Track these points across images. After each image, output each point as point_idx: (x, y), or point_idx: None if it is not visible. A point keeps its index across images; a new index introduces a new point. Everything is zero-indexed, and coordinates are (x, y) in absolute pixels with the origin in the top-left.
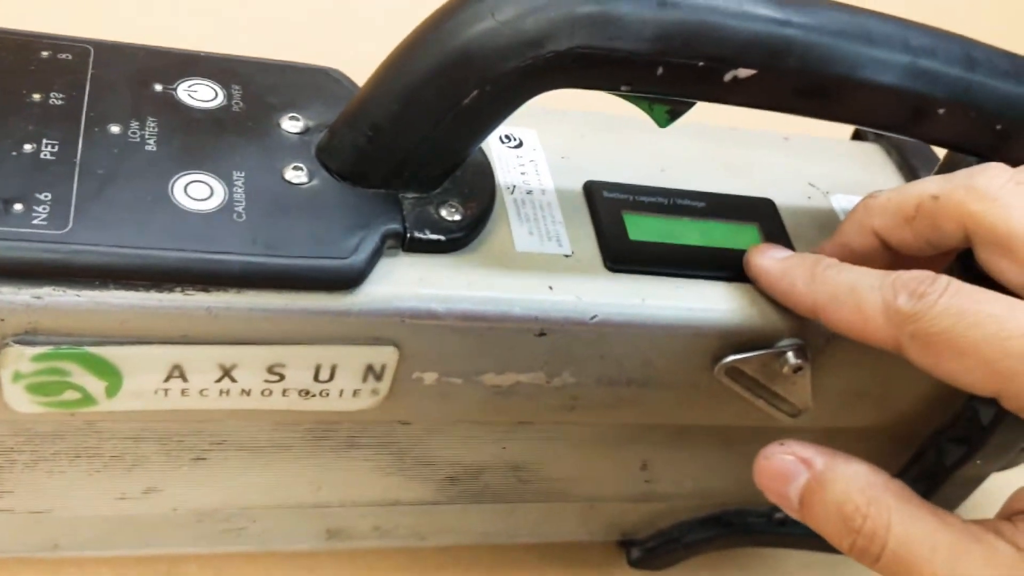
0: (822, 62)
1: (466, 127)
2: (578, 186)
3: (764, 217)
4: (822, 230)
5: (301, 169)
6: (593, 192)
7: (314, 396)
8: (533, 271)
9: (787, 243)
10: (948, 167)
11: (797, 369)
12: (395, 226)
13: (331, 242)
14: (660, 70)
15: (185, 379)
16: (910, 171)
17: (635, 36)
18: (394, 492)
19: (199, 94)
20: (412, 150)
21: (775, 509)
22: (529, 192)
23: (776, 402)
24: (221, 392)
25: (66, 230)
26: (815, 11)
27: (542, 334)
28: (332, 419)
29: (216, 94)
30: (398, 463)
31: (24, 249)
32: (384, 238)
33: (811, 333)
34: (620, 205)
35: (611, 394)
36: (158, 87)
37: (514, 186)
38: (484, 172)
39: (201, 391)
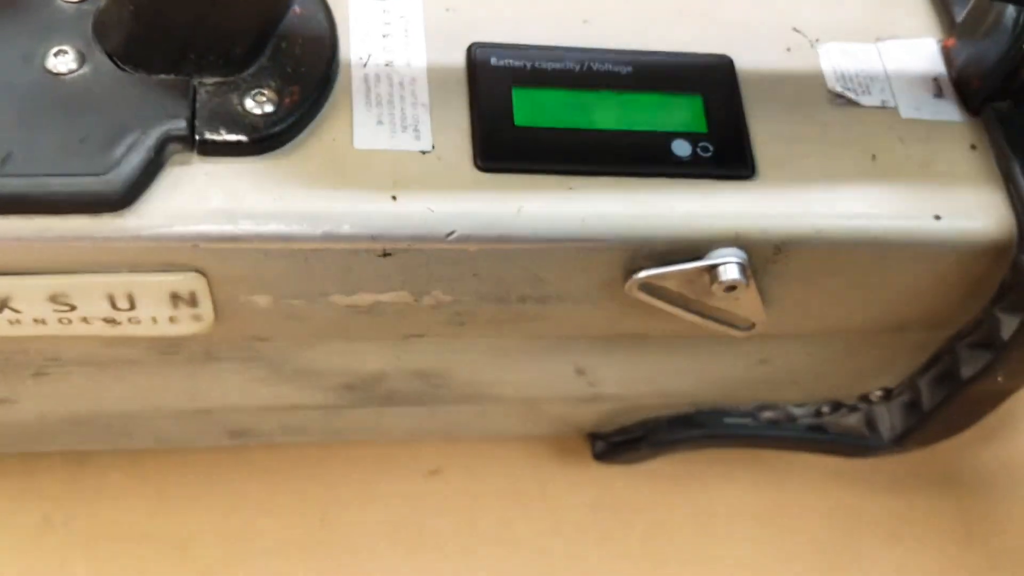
0: None
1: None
2: (460, 51)
3: (714, 83)
4: (795, 97)
5: (67, 53)
6: (477, 60)
7: (122, 324)
8: (374, 175)
9: (739, 118)
10: (979, 3)
11: (731, 288)
12: (178, 126)
13: (89, 152)
14: None
15: None
16: (942, 5)
17: None
18: (285, 398)
19: None
20: (187, 28)
21: (763, 407)
22: (389, 64)
23: (715, 317)
24: (10, 322)
25: None
26: None
27: (386, 254)
28: (167, 340)
29: None
30: (275, 375)
31: None
32: (162, 143)
33: (757, 241)
34: (511, 76)
35: (504, 311)
36: None
37: (369, 56)
38: (320, 42)
39: None
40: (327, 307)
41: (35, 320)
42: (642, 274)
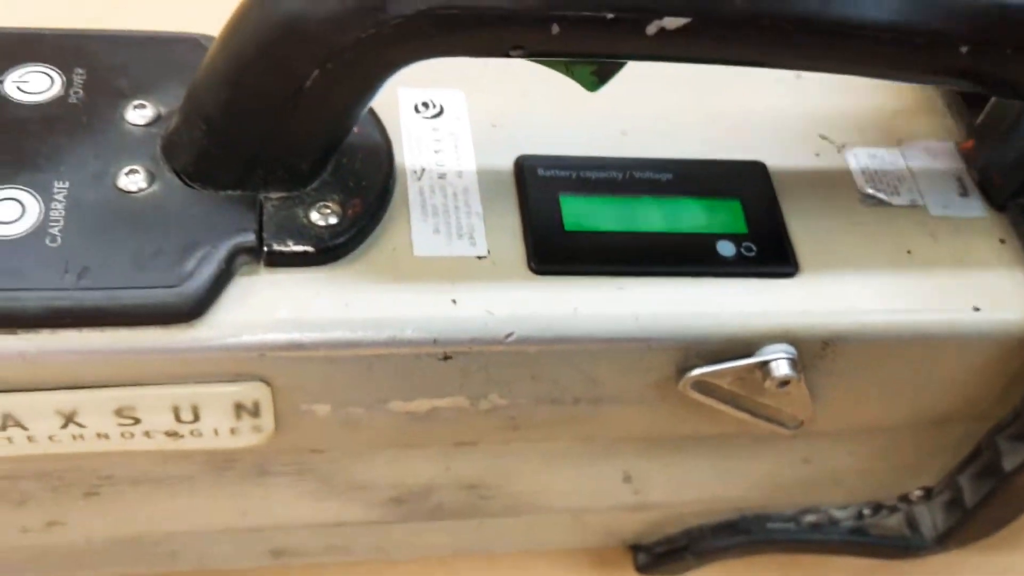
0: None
1: (317, 114)
2: (508, 163)
3: (750, 188)
4: (829, 199)
5: (138, 172)
6: (525, 170)
7: (184, 437)
8: (433, 281)
9: (777, 219)
10: (996, 107)
11: (783, 383)
12: (247, 238)
13: (161, 266)
14: (555, 28)
15: (24, 427)
16: (958, 109)
17: None
18: (334, 514)
19: (30, 85)
20: (257, 145)
21: (805, 511)
22: (442, 176)
23: (765, 415)
24: (74, 437)
25: None
26: None
27: (447, 358)
28: (224, 453)
29: (52, 82)
30: (326, 488)
31: None
32: (232, 255)
33: (805, 337)
34: (558, 186)
35: (558, 413)
36: None
37: (423, 170)
38: (377, 157)
39: (50, 437)
40: (385, 414)
41: (98, 435)
42: (696, 372)
